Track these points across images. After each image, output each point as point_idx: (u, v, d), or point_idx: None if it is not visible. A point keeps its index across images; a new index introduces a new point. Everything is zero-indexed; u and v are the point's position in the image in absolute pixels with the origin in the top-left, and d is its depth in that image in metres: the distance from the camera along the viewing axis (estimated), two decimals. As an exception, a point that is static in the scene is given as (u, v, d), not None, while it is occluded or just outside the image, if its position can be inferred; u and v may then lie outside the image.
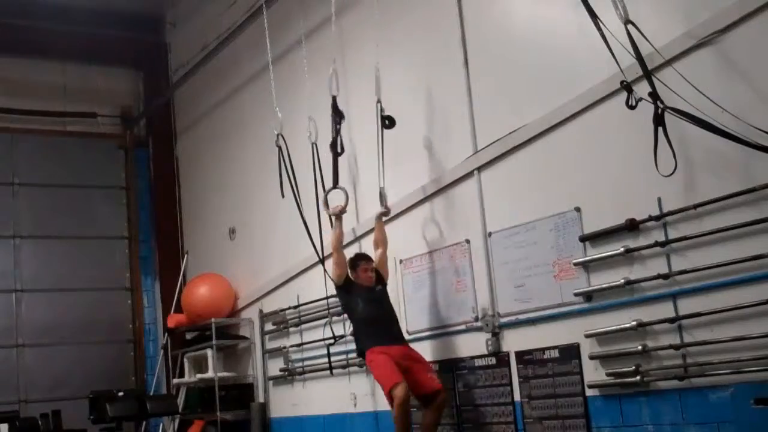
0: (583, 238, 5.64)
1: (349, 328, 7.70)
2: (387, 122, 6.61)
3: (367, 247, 7.67)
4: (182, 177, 11.56)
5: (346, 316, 7.19)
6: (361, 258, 6.84)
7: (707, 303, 4.89)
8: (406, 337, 6.77)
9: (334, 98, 6.82)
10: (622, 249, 5.35)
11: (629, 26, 4.85)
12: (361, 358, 6.92)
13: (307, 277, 8.51)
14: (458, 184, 6.73)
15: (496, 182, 6.42)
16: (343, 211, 6.81)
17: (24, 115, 10.98)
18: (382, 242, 6.80)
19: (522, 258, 6.12)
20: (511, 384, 6.20)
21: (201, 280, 10.12)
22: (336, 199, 6.99)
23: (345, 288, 6.66)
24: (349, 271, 6.68)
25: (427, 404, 6.27)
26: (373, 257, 6.78)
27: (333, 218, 6.87)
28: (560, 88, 5.83)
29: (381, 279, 6.71)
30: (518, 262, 6.15)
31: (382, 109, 6.65)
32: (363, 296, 6.56)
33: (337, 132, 6.85)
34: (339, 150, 6.91)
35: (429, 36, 7.05)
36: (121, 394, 8.69)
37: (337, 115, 6.82)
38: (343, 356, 7.89)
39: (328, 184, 7.49)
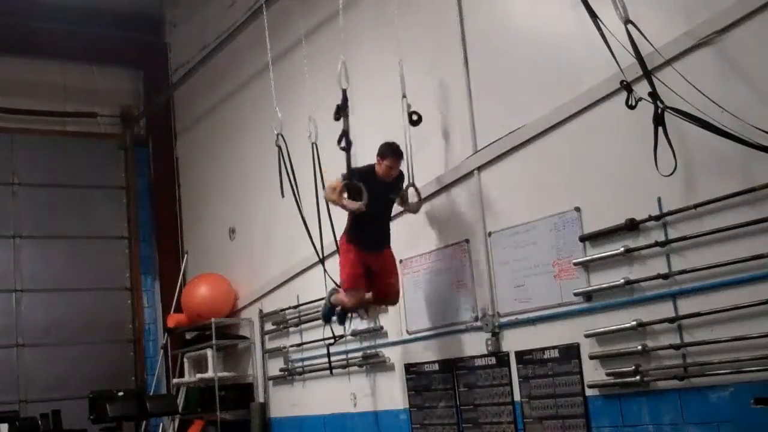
0: (583, 238, 5.64)
1: (349, 328, 7.71)
2: (414, 118, 6.35)
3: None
4: (182, 177, 11.55)
5: None
6: (392, 152, 6.31)
7: (707, 303, 4.89)
8: (405, 336, 6.77)
9: (344, 91, 6.37)
10: (622, 249, 5.35)
11: (629, 26, 4.84)
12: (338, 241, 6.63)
13: (307, 277, 8.50)
14: (458, 184, 6.73)
15: (496, 182, 6.42)
16: (360, 209, 6.22)
17: (24, 115, 10.97)
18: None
19: (522, 258, 6.12)
20: (511, 384, 6.19)
21: (201, 280, 10.12)
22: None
23: (360, 175, 6.24)
24: (376, 157, 6.33)
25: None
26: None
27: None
28: (560, 87, 5.83)
29: (400, 180, 6.46)
30: (518, 262, 6.15)
31: (408, 105, 6.40)
32: (374, 190, 6.19)
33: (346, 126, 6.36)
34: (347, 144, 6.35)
35: (429, 36, 7.04)
36: (121, 394, 8.70)
37: (345, 108, 6.34)
38: (343, 356, 7.90)
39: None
